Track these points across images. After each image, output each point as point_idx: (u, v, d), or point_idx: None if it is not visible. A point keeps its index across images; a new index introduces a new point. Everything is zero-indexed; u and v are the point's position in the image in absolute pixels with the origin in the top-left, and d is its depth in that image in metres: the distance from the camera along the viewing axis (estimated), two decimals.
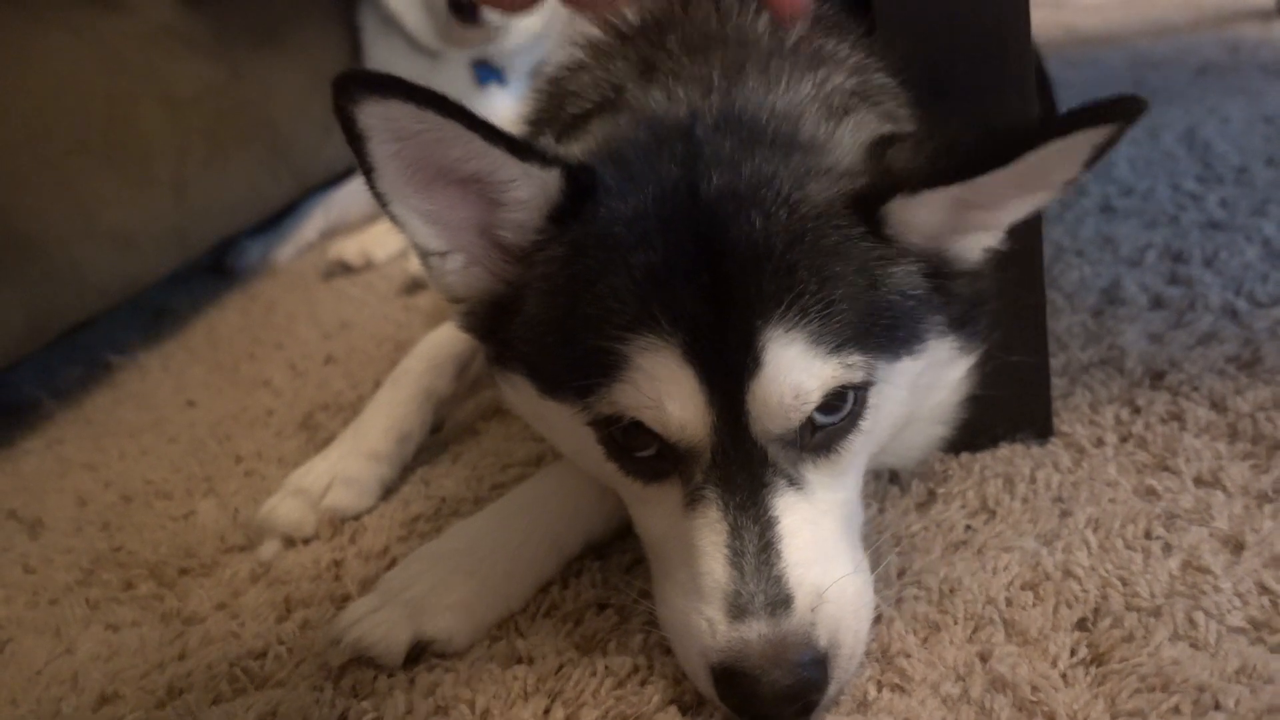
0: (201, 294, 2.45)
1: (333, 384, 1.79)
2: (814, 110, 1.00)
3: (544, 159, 0.90)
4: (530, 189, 0.91)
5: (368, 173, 0.89)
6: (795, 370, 0.86)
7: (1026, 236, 1.05)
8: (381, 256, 2.44)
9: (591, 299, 0.89)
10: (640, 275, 0.88)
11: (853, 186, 0.91)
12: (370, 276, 2.38)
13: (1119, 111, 0.79)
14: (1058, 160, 0.85)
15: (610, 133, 1.02)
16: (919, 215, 0.90)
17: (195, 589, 1.26)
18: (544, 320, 0.95)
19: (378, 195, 0.91)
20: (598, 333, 0.88)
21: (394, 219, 0.94)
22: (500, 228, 0.96)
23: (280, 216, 2.67)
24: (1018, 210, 0.94)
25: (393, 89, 0.82)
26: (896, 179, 0.89)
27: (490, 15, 2.60)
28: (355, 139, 0.85)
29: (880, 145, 0.95)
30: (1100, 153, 0.84)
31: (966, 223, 0.93)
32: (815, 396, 0.87)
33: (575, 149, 1.02)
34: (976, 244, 0.96)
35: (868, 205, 0.90)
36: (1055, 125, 0.82)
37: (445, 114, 0.84)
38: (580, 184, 0.91)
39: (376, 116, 0.84)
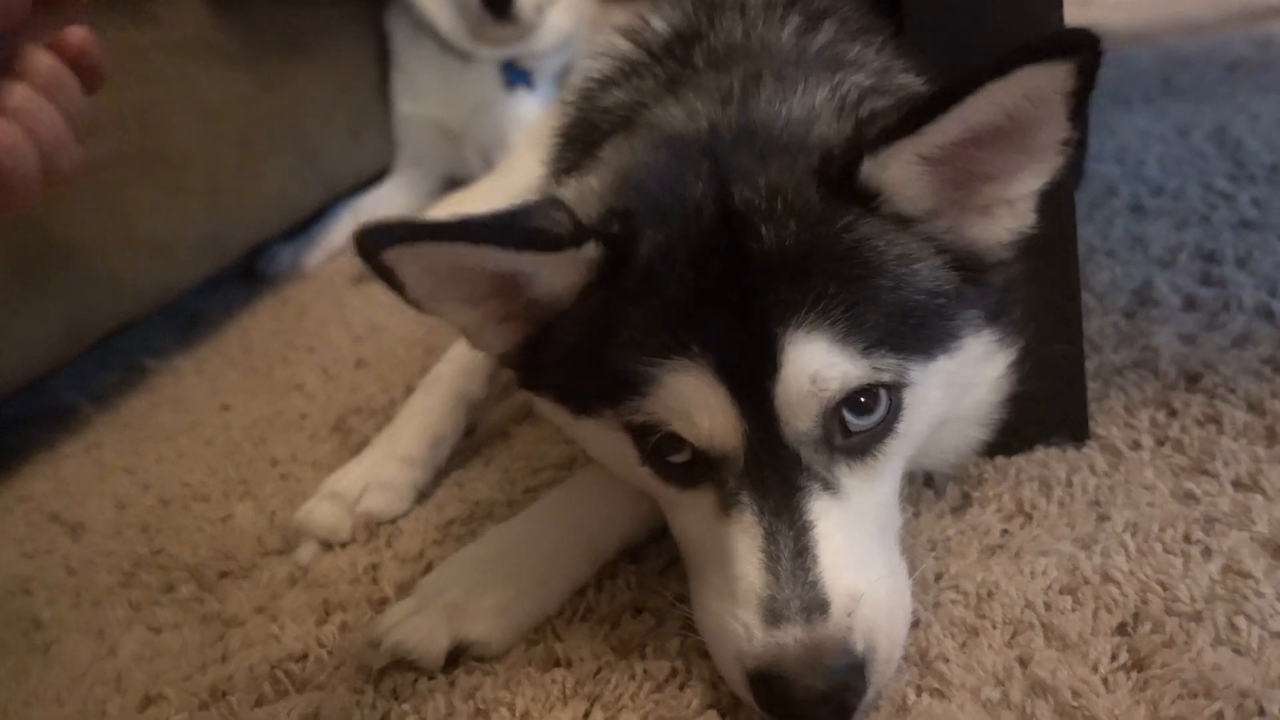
0: (234, 299, 2.47)
1: (365, 387, 1.81)
2: (828, 113, 1.00)
3: (577, 240, 0.89)
4: (567, 271, 0.91)
5: (398, 290, 0.88)
6: (813, 361, 0.86)
7: (1059, 223, 1.04)
8: None
9: (622, 329, 0.90)
10: (668, 303, 0.89)
11: (822, 157, 0.90)
12: None
13: (1059, 46, 0.78)
14: (1031, 112, 0.84)
15: (627, 160, 1.01)
16: (896, 177, 0.89)
17: (235, 592, 1.28)
18: (576, 349, 0.95)
19: (410, 304, 0.91)
20: (629, 357, 0.89)
21: (430, 313, 0.94)
22: (538, 298, 0.95)
23: (310, 222, 2.69)
24: (1028, 180, 0.93)
25: (417, 235, 0.84)
26: (860, 142, 0.88)
27: (523, 10, 2.61)
28: (382, 272, 0.86)
29: (869, 120, 0.93)
30: (1077, 102, 0.83)
31: (983, 197, 0.93)
32: (834, 385, 0.87)
33: (592, 182, 1.01)
34: (1003, 224, 0.95)
35: (843, 179, 0.89)
36: (992, 68, 0.80)
37: (473, 241, 0.85)
38: (617, 240, 0.91)
39: (403, 257, 0.85)
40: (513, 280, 0.93)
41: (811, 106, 1.00)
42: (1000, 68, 0.80)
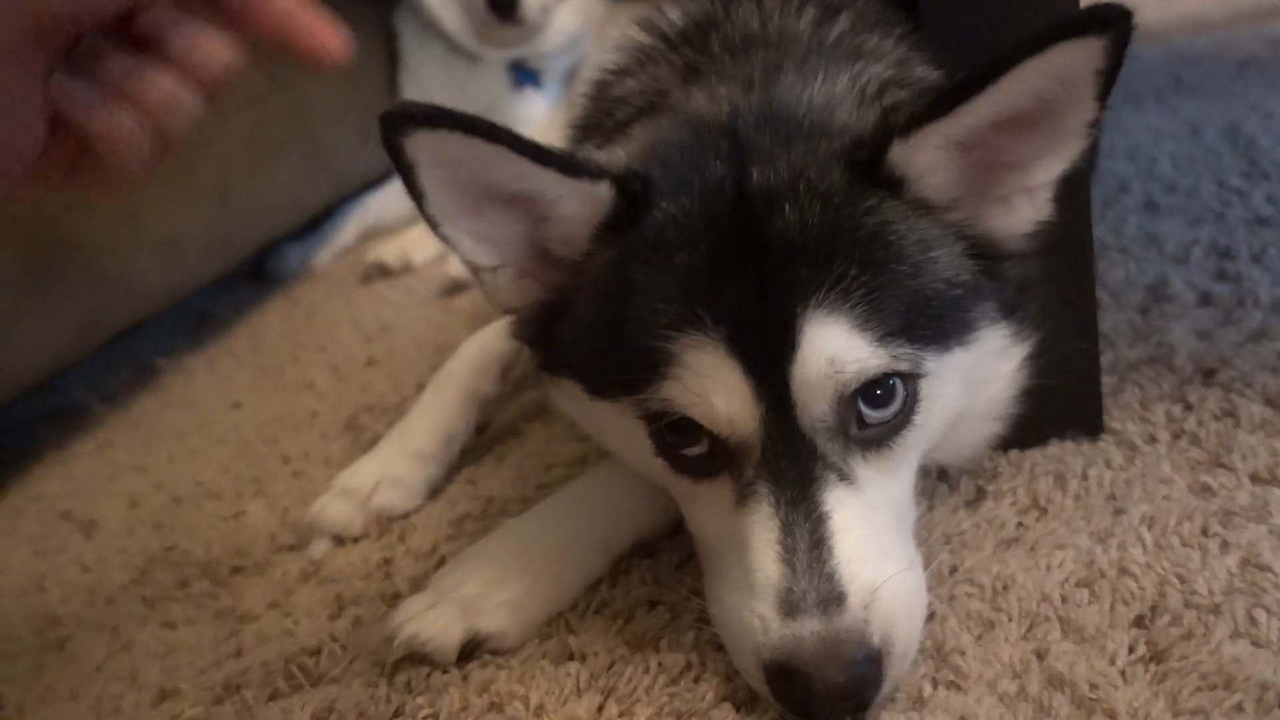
0: (244, 299, 2.48)
1: (375, 386, 1.81)
2: (849, 100, 1.01)
3: (593, 173, 0.90)
4: (580, 204, 0.92)
5: (417, 199, 0.90)
6: (831, 344, 0.86)
7: (1074, 216, 1.03)
8: (420, 259, 2.47)
9: (639, 301, 0.90)
10: (685, 275, 0.89)
11: (850, 141, 0.91)
12: (409, 279, 2.41)
13: (1094, 21, 0.78)
14: (1060, 93, 0.84)
15: (654, 135, 1.03)
16: (923, 162, 0.89)
17: (248, 588, 1.28)
18: (593, 323, 0.96)
19: (428, 219, 0.92)
20: (645, 333, 0.89)
21: (445, 239, 0.95)
22: (550, 240, 0.96)
23: (319, 221, 2.70)
24: (1050, 166, 0.93)
25: (440, 120, 0.83)
26: (889, 126, 0.89)
27: (529, 12, 2.61)
28: (405, 168, 0.87)
29: (890, 110, 0.94)
30: (1105, 81, 0.83)
31: (1003, 185, 0.93)
32: (852, 369, 0.86)
33: (620, 152, 1.02)
34: (1022, 214, 0.95)
35: (871, 163, 0.89)
36: (1027, 44, 0.80)
37: (493, 140, 0.85)
38: (631, 192, 0.92)
39: (425, 147, 0.85)
40: (530, 212, 0.93)
41: (832, 94, 1.01)
42: (1036, 44, 0.80)
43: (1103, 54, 0.81)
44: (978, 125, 0.88)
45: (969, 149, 0.90)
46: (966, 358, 0.94)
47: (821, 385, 0.87)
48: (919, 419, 0.92)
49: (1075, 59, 0.82)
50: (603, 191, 0.91)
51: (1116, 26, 0.79)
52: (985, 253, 0.94)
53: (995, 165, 0.91)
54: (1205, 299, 1.45)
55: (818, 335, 0.86)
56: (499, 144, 0.85)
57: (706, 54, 1.13)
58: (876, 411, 0.90)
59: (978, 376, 0.99)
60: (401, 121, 0.83)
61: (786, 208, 0.89)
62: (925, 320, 0.90)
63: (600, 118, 1.21)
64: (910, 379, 0.91)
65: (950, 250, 0.92)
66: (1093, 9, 0.78)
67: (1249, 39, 2.90)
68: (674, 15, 1.22)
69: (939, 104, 0.86)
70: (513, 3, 2.58)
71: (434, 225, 0.93)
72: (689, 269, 0.89)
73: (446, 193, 0.90)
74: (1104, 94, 0.85)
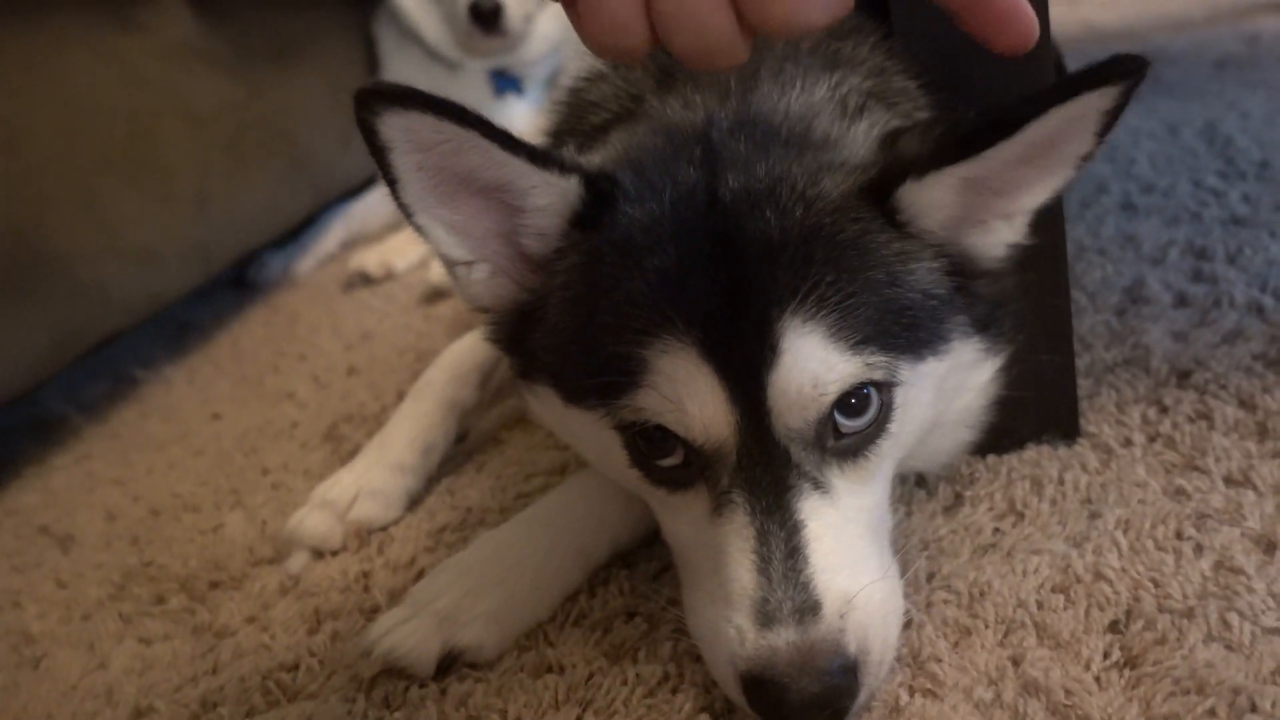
0: (224, 308, 2.47)
1: (356, 395, 1.80)
2: (829, 110, 1.01)
3: (562, 166, 0.91)
4: (550, 196, 0.92)
5: (391, 184, 0.89)
6: (813, 360, 0.86)
7: (1050, 234, 1.04)
8: (402, 267, 2.46)
9: (610, 305, 0.90)
10: (656, 278, 0.88)
11: (865, 177, 0.91)
12: (391, 287, 2.40)
13: (1121, 71, 0.79)
14: (1067, 131, 0.85)
15: (629, 141, 1.03)
16: (931, 199, 0.90)
17: (226, 602, 1.27)
18: (565, 328, 0.95)
19: (402, 206, 0.92)
20: (616, 338, 0.89)
21: (419, 229, 0.94)
22: (522, 236, 0.96)
23: (300, 229, 2.69)
24: (1036, 195, 0.93)
25: (412, 100, 0.83)
26: (905, 163, 0.89)
27: (512, 23, 2.61)
28: (378, 151, 0.86)
29: (892, 137, 0.95)
30: (1110, 120, 0.84)
31: (985, 211, 0.93)
32: (833, 389, 0.87)
33: (595, 158, 1.02)
34: (999, 237, 0.96)
35: (879, 193, 0.90)
36: (1057, 91, 0.81)
37: (463, 124, 0.85)
38: (600, 191, 0.92)
39: (398, 128, 0.85)
40: (504, 204, 0.93)
41: (810, 103, 1.02)
42: (1065, 92, 0.81)
43: (1115, 98, 0.82)
44: (996, 168, 0.88)
45: (974, 185, 0.90)
46: (940, 367, 0.95)
47: (803, 404, 0.87)
48: (893, 427, 0.93)
49: (1094, 104, 0.83)
50: (572, 186, 0.91)
51: (1136, 75, 0.80)
52: (961, 270, 0.94)
53: (985, 191, 0.91)
54: (1181, 300, 1.46)
55: (797, 345, 0.86)
56: (469, 128, 0.85)
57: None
58: (852, 420, 0.91)
59: (950, 386, 0.99)
60: (373, 99, 0.83)
61: (761, 212, 0.89)
62: (900, 328, 0.90)
63: (574, 122, 1.20)
64: (885, 388, 0.91)
65: (929, 265, 0.92)
66: (1120, 59, 0.79)
67: (1227, 37, 2.92)
68: None
69: (961, 147, 0.86)
70: (496, 14, 2.58)
71: (408, 213, 0.92)
72: (659, 272, 0.88)
73: (420, 179, 0.90)
74: (1105, 131, 0.86)
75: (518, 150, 0.88)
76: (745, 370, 0.86)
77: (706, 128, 0.98)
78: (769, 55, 1.09)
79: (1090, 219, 1.81)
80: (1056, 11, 1.08)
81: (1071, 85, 0.80)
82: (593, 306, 0.91)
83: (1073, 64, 1.73)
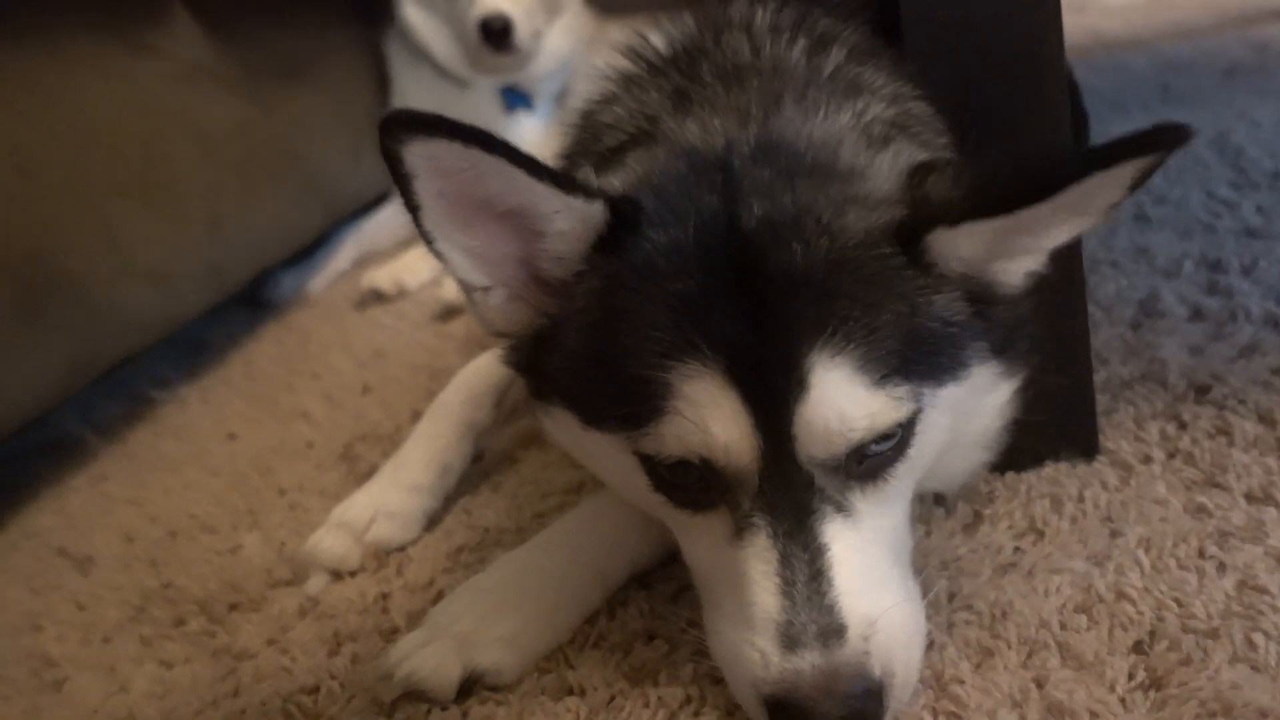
0: (237, 327, 2.48)
1: (370, 414, 1.80)
2: (853, 139, 1.01)
3: (588, 192, 0.91)
4: (573, 221, 0.92)
5: (413, 210, 0.90)
6: (841, 396, 0.86)
7: (1067, 259, 1.04)
8: (414, 284, 2.47)
9: (631, 329, 0.90)
10: (679, 304, 0.89)
11: (893, 216, 0.91)
12: (403, 304, 2.41)
13: (1163, 140, 0.80)
14: (1102, 187, 0.85)
15: (648, 165, 1.03)
16: (961, 246, 0.90)
17: (245, 624, 1.27)
18: (585, 352, 0.96)
19: (423, 233, 0.92)
20: (638, 362, 0.89)
21: (438, 255, 0.95)
22: (540, 260, 0.96)
23: (312, 248, 2.70)
24: (1061, 235, 0.93)
25: (437, 128, 0.83)
26: (937, 211, 0.89)
27: (521, 40, 2.62)
28: (402, 179, 0.87)
29: (918, 173, 0.95)
30: (1144, 177, 0.84)
31: (1009, 248, 0.93)
32: (862, 425, 0.87)
33: (615, 181, 1.02)
34: (1019, 269, 0.96)
35: (909, 236, 0.90)
36: (1099, 157, 0.82)
37: (490, 151, 0.85)
38: (623, 215, 0.92)
39: (422, 156, 0.85)
40: (524, 230, 0.93)
41: (833, 131, 1.01)
42: (1108, 160, 0.81)
43: (1154, 162, 0.83)
44: (1028, 223, 0.89)
45: (1004, 232, 0.90)
46: (958, 391, 0.95)
47: (829, 439, 0.87)
48: (913, 451, 0.93)
49: (1132, 168, 0.83)
50: (596, 211, 0.91)
51: (1178, 142, 0.81)
52: (980, 297, 0.94)
53: (1012, 233, 0.91)
54: (1196, 313, 1.46)
55: (826, 380, 0.86)
56: (496, 155, 0.85)
57: (698, 81, 1.13)
58: (876, 445, 0.91)
59: (967, 409, 0.99)
60: (400, 128, 0.83)
61: (787, 244, 0.89)
62: (921, 357, 0.90)
63: (588, 143, 1.21)
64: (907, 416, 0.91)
65: (948, 295, 0.92)
66: (1163, 129, 0.79)
67: (1235, 46, 2.92)
68: (659, 42, 1.23)
69: (998, 204, 0.86)
70: (506, 33, 2.59)
71: (429, 240, 0.92)
72: (683, 298, 0.89)
73: (443, 205, 0.90)
74: (1137, 186, 0.86)
75: (543, 175, 0.88)
76: (771, 399, 0.86)
77: (728, 154, 0.98)
78: (791, 79, 1.09)
79: (1102, 232, 1.81)
80: (1064, 22, 1.08)
81: (1115, 153, 0.81)
82: (614, 330, 0.92)
83: (1081, 74, 1.74)
